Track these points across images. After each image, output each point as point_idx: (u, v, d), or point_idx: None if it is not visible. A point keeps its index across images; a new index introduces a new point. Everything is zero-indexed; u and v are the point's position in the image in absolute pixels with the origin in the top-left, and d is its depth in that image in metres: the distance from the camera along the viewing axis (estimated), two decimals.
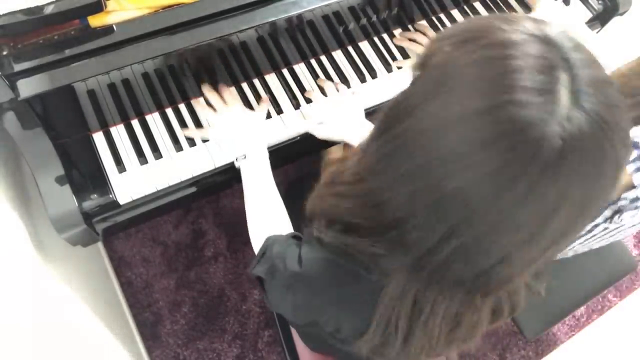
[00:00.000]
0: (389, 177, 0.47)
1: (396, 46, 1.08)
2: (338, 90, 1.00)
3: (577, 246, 1.03)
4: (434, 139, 0.42)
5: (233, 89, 0.99)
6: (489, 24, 0.44)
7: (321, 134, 0.96)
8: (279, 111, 0.99)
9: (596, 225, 0.91)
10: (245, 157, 0.89)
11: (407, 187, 0.45)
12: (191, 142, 0.94)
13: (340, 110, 0.97)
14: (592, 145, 0.39)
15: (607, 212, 0.88)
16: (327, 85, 1.01)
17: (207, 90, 0.96)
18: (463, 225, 0.43)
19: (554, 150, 0.38)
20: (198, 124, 0.96)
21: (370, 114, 0.99)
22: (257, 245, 0.80)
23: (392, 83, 1.04)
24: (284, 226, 0.83)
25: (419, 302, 0.52)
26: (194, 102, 0.98)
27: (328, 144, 1.05)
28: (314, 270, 0.60)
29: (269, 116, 0.98)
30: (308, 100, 1.00)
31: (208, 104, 0.97)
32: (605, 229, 0.91)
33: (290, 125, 0.98)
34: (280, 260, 0.64)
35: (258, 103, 0.99)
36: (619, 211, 0.86)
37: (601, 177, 0.41)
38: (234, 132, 0.92)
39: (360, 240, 0.53)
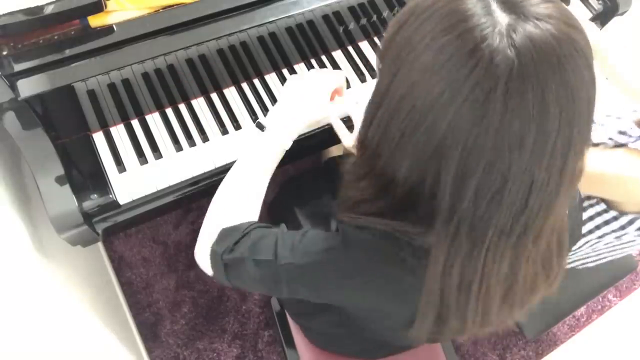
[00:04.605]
0: (388, 151, 0.50)
1: None
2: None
3: (591, 256, 1.02)
4: (411, 94, 0.45)
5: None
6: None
7: (358, 113, 0.91)
8: None
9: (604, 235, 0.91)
10: (263, 130, 0.77)
11: (406, 150, 0.48)
12: (191, 142, 0.94)
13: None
14: (550, 44, 0.42)
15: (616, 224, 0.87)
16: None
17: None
18: (469, 161, 0.44)
19: (510, 60, 0.41)
20: (198, 124, 0.96)
21: None
22: (216, 223, 0.69)
23: None
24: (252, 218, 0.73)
25: (466, 274, 0.51)
26: (194, 102, 0.98)
27: (327, 143, 1.05)
28: (356, 252, 0.58)
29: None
30: None
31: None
32: (618, 237, 0.91)
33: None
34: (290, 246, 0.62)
35: (258, 104, 0.99)
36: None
37: (574, 72, 0.43)
38: (290, 98, 0.80)
39: (391, 223, 0.54)
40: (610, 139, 0.84)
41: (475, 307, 0.53)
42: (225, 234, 0.67)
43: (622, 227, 0.87)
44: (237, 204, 0.72)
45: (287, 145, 0.77)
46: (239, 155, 0.77)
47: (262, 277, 0.63)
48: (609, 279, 1.24)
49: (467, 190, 0.45)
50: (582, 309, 1.65)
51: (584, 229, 0.94)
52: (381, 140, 0.51)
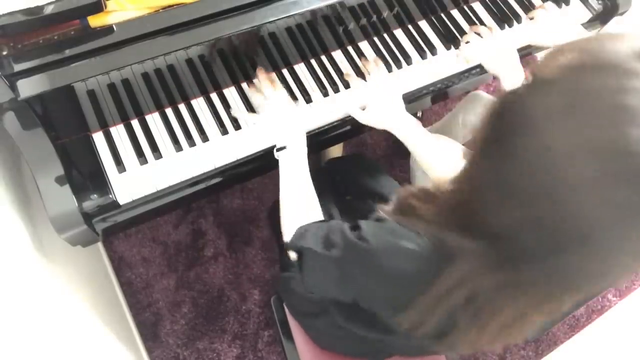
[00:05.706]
0: (496, 193, 0.47)
1: (397, 45, 1.08)
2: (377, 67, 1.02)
3: None
4: (563, 163, 0.41)
5: (276, 79, 1.00)
6: (608, 48, 0.43)
7: (362, 118, 0.97)
8: None
9: None
10: (285, 148, 0.89)
11: (521, 208, 0.45)
12: (191, 142, 0.94)
13: (381, 95, 0.97)
14: None
15: None
16: (369, 67, 1.02)
17: (260, 72, 0.97)
18: (575, 245, 0.43)
19: None
20: (198, 124, 0.96)
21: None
22: (289, 234, 0.81)
23: (391, 83, 1.04)
24: (317, 219, 0.84)
25: (476, 299, 0.52)
26: (194, 102, 0.98)
27: (331, 141, 1.05)
28: (376, 242, 0.61)
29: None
30: (308, 100, 1.00)
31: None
32: None
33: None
34: (338, 234, 0.67)
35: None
36: None
37: None
38: (280, 119, 0.92)
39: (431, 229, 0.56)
40: None
41: (466, 328, 0.55)
42: (300, 231, 0.77)
43: None
44: (300, 204, 0.85)
45: (305, 144, 0.90)
46: (282, 173, 0.88)
47: (327, 263, 0.69)
48: None
49: (532, 236, 0.45)
50: (582, 309, 1.65)
51: None
52: (494, 173, 0.48)
